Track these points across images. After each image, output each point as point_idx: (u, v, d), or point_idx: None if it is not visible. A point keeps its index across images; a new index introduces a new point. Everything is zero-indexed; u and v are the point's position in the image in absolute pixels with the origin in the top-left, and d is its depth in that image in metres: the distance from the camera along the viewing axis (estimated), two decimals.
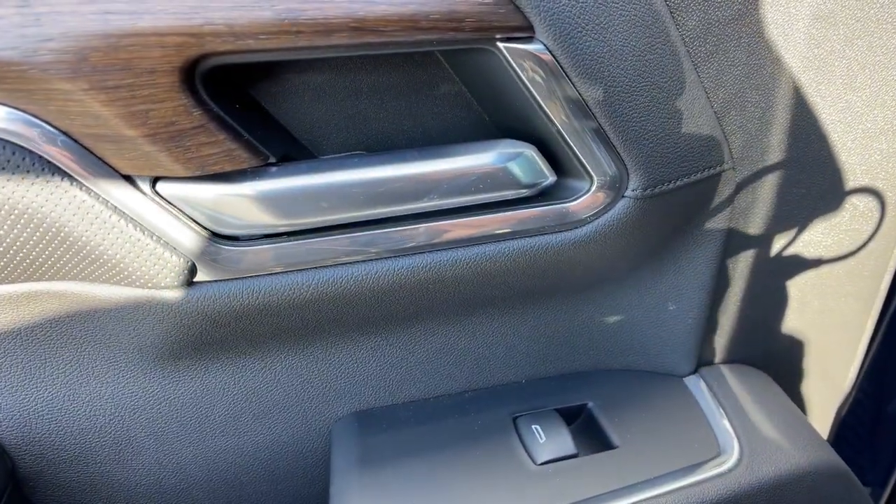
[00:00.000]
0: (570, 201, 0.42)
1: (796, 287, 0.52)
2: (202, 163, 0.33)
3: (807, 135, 0.44)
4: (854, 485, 0.51)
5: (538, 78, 0.36)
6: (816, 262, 0.51)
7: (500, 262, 0.43)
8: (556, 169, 0.41)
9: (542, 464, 0.46)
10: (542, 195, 0.42)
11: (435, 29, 0.32)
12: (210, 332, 0.40)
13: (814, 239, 0.50)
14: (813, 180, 0.46)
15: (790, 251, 0.50)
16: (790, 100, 0.43)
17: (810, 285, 0.53)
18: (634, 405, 0.51)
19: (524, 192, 0.41)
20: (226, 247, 0.36)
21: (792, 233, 0.49)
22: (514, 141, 0.40)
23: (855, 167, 0.46)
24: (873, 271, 0.52)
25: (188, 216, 0.35)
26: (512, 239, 0.42)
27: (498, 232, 0.42)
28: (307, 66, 0.38)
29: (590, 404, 0.51)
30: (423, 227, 0.40)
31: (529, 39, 0.34)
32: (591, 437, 0.50)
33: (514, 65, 0.35)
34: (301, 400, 0.48)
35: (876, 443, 0.65)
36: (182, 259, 0.36)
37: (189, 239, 0.35)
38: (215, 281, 0.37)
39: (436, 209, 0.40)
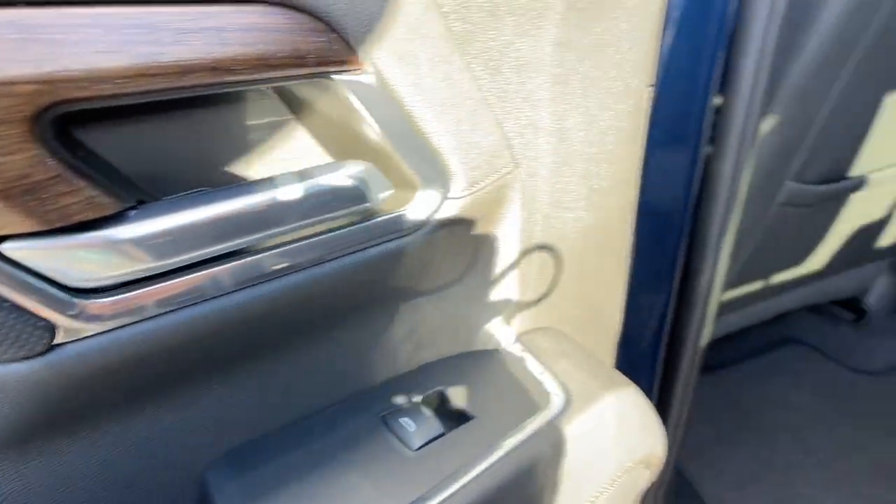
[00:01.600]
0: (404, 209, 0.48)
1: (575, 256, 0.66)
2: (62, 214, 0.31)
3: (562, 134, 0.57)
4: (647, 401, 0.65)
5: (368, 103, 0.41)
6: (585, 235, 0.65)
7: (349, 276, 0.47)
8: (390, 181, 0.46)
9: (419, 448, 0.51)
10: (381, 207, 0.47)
11: (282, 66, 0.36)
12: (69, 401, 0.37)
13: (580, 216, 0.63)
14: (573, 170, 0.59)
15: (566, 230, 0.63)
16: (548, 108, 0.55)
17: (582, 251, 0.66)
18: (479, 379, 0.59)
19: (366, 207, 0.46)
20: (87, 300, 0.34)
21: (565, 213, 0.62)
22: (351, 161, 0.45)
23: (598, 157, 0.60)
24: (620, 233, 0.68)
25: (42, 275, 0.32)
26: (357, 251, 0.47)
27: (344, 248, 0.46)
28: (147, 108, 0.38)
29: (444, 389, 0.58)
30: (273, 253, 0.43)
31: (359, 71, 0.40)
32: (452, 415, 0.56)
33: (348, 93, 0.40)
34: (171, 456, 0.45)
35: (642, 363, 0.84)
36: (39, 323, 0.33)
37: (45, 299, 0.33)
38: (77, 340, 0.35)
39: (286, 234, 0.43)
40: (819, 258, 1.34)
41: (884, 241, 1.44)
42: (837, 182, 1.16)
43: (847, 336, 1.60)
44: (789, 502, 1.18)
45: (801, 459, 1.28)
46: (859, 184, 1.20)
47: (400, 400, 0.55)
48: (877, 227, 1.38)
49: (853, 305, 1.60)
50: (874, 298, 1.58)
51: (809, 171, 1.10)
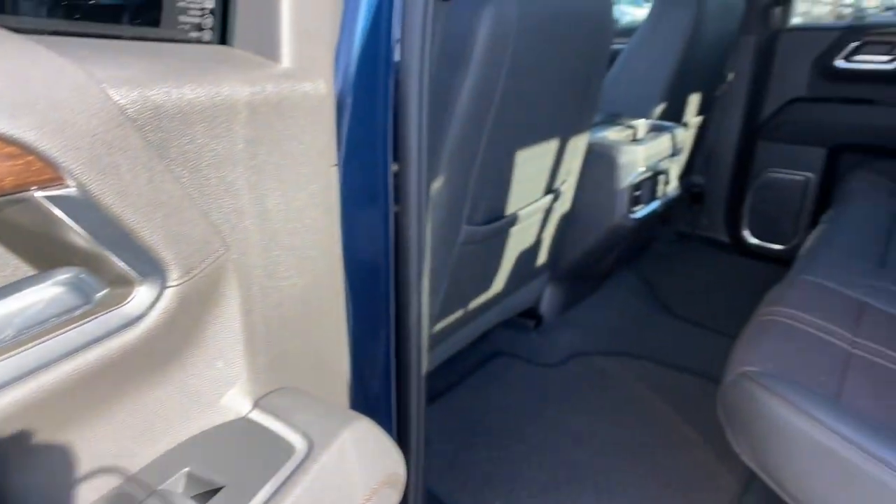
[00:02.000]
0: (123, 304, 0.50)
1: (297, 318, 0.74)
2: None
3: (265, 216, 0.65)
4: (380, 429, 0.76)
5: (73, 214, 0.44)
6: (301, 298, 0.74)
7: (75, 379, 0.48)
8: (106, 279, 0.49)
9: None
10: (100, 306, 0.49)
11: None
12: None
13: (294, 282, 0.72)
14: (280, 244, 0.68)
15: (283, 297, 0.71)
16: (248, 195, 0.63)
17: (302, 313, 0.75)
18: (224, 451, 0.62)
19: (84, 309, 0.47)
20: None
21: (280, 282, 0.70)
22: (58, 269, 0.46)
23: (300, 230, 0.70)
24: (332, 291, 0.78)
25: None
26: (80, 354, 0.48)
27: (64, 353, 0.47)
28: None
29: (190, 468, 0.60)
30: None
31: (61, 187, 0.43)
32: (203, 492, 0.58)
33: (52, 208, 0.43)
34: None
35: (377, 402, 0.95)
36: None
37: None
38: None
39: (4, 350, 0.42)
40: (499, 282, 1.65)
41: (540, 260, 1.84)
42: (497, 221, 1.47)
43: (533, 339, 1.98)
44: (520, 491, 1.41)
45: (523, 450, 1.54)
46: (514, 220, 1.53)
47: (148, 490, 0.56)
48: (534, 251, 1.77)
49: (532, 314, 1.99)
50: (545, 306, 2.00)
51: (476, 214, 1.38)
